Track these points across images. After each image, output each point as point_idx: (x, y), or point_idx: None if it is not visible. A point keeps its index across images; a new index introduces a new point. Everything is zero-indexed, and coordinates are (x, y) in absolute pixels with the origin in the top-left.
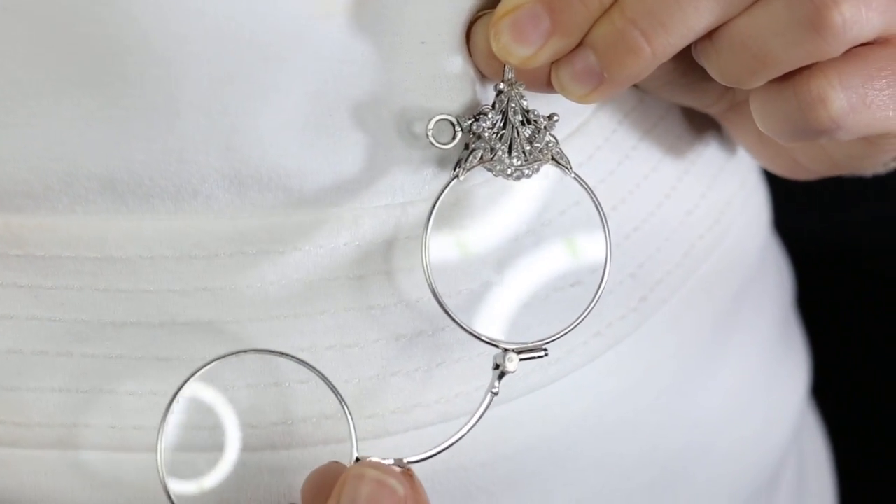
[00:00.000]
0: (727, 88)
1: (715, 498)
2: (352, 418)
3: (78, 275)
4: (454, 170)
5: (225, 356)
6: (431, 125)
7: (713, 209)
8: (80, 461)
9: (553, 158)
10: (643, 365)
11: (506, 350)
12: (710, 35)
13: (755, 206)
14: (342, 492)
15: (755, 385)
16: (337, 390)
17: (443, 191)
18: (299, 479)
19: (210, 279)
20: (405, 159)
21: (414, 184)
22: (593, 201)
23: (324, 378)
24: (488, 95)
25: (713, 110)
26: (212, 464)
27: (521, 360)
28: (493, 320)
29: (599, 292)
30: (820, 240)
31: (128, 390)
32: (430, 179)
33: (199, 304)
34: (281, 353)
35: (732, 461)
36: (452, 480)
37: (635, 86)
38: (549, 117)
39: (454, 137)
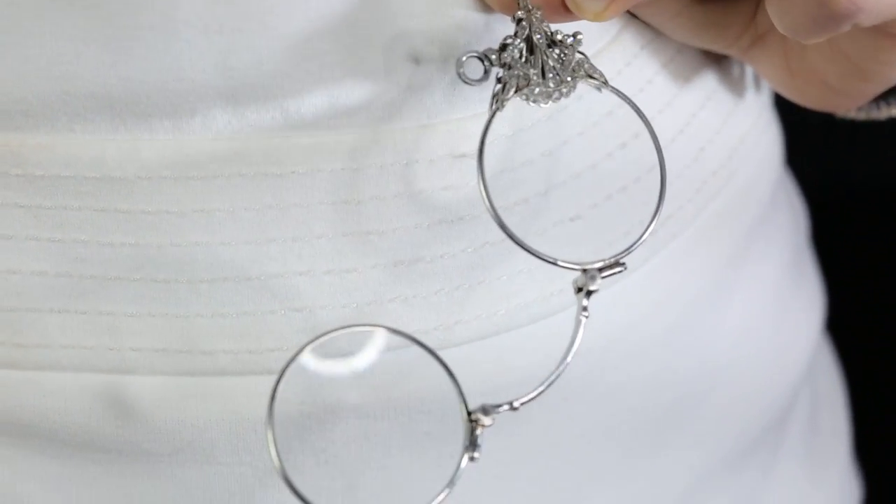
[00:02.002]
0: (748, 23)
1: (726, 431)
2: (457, 382)
3: (77, 195)
4: (491, 105)
5: (336, 331)
6: (463, 63)
7: (727, 146)
8: (78, 383)
9: (587, 74)
10: (653, 298)
11: (586, 270)
12: None
13: (768, 144)
14: None
15: (766, 320)
16: (447, 365)
17: (487, 125)
18: None
19: (207, 201)
20: (406, 84)
21: (416, 108)
22: (634, 108)
23: (434, 354)
24: (494, 18)
25: (735, 49)
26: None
27: (602, 277)
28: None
29: (663, 196)
30: (836, 180)
31: (126, 312)
32: (439, 101)
33: (195, 226)
34: (398, 332)
35: (743, 395)
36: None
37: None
38: (574, 35)
39: (486, 73)
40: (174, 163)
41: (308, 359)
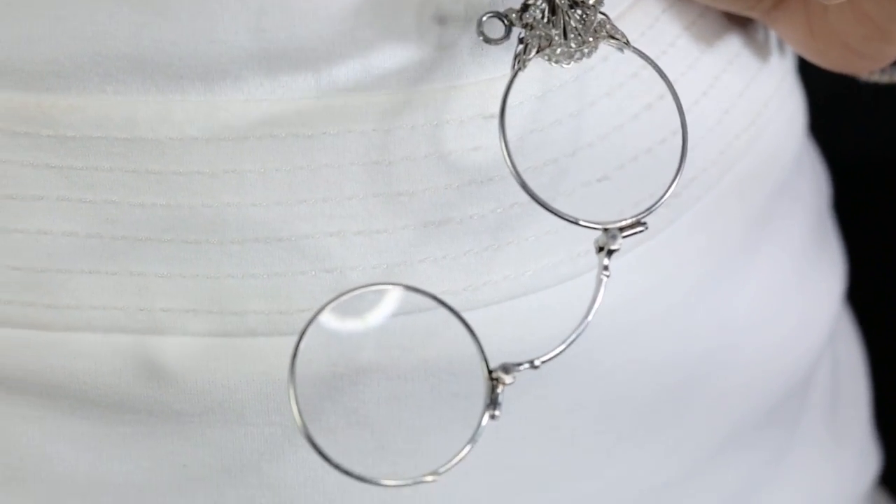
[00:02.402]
0: None
1: (745, 399)
2: (478, 340)
3: (108, 156)
4: (513, 65)
5: (358, 289)
6: (483, 23)
7: (750, 110)
8: (108, 344)
9: (609, 35)
10: (673, 262)
11: (607, 230)
12: None
13: (791, 110)
14: None
15: (787, 288)
16: (468, 323)
17: (509, 86)
18: None
19: (238, 162)
20: (435, 45)
21: (445, 69)
22: (656, 69)
23: (455, 313)
24: None
25: (757, 11)
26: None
27: (623, 237)
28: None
29: (684, 157)
30: (861, 149)
31: (156, 273)
32: (468, 62)
33: (227, 187)
34: (419, 290)
35: (763, 363)
36: None
37: None
38: None
39: (507, 32)
40: (206, 124)
41: (332, 318)
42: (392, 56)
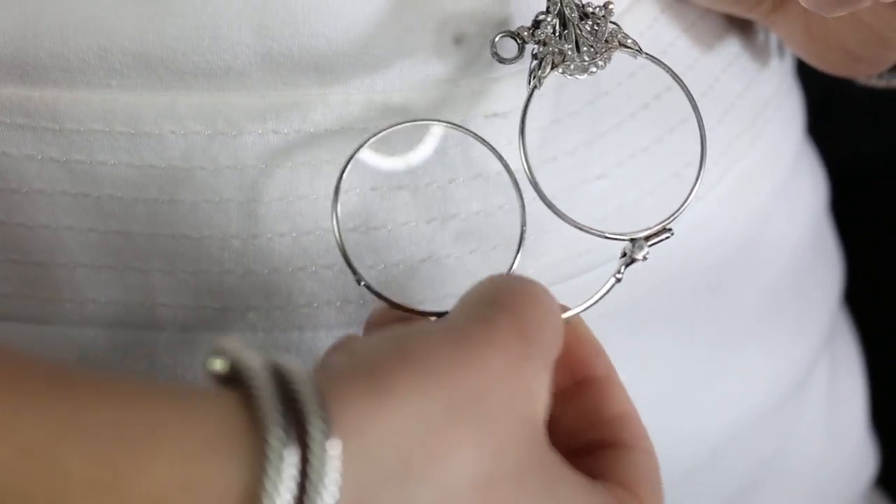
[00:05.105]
0: None
1: (743, 399)
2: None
3: (111, 150)
4: (529, 81)
5: (400, 125)
6: (496, 43)
7: (749, 110)
8: (108, 338)
9: (621, 44)
10: (669, 266)
11: (633, 240)
12: None
13: (790, 110)
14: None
15: (783, 290)
16: (508, 166)
17: (527, 103)
18: None
19: (241, 157)
20: (433, 48)
21: (446, 71)
22: (670, 74)
23: (492, 149)
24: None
25: (756, 13)
26: None
27: (649, 245)
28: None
29: (703, 162)
30: (859, 151)
31: (157, 268)
32: (462, 66)
33: (229, 183)
34: (456, 126)
35: (758, 365)
36: None
37: None
38: (605, 6)
39: (522, 51)
40: (208, 120)
41: (370, 153)
42: (404, 70)
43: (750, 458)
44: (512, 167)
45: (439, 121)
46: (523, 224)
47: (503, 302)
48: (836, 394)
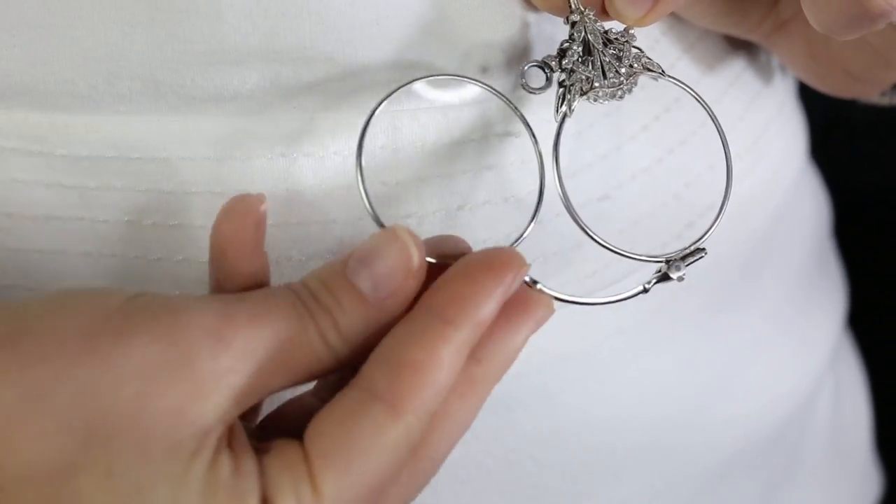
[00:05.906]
0: (769, 9)
1: (744, 428)
2: (543, 167)
3: (121, 175)
4: (557, 108)
5: (422, 78)
6: (525, 72)
7: (750, 132)
8: None
9: (645, 68)
10: (675, 286)
11: (669, 261)
12: None
13: (791, 133)
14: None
15: (787, 312)
16: (526, 120)
17: (559, 132)
18: None
19: (250, 181)
20: (442, 63)
21: (456, 90)
22: (694, 97)
23: (508, 102)
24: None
25: (756, 35)
26: None
27: (686, 265)
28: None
29: (729, 183)
30: (862, 174)
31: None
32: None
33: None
34: (477, 81)
35: (763, 388)
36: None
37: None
38: (626, 31)
39: (549, 80)
40: (217, 143)
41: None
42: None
43: (750, 488)
44: (531, 185)
45: (471, 79)
46: (540, 196)
47: None
48: (839, 418)
